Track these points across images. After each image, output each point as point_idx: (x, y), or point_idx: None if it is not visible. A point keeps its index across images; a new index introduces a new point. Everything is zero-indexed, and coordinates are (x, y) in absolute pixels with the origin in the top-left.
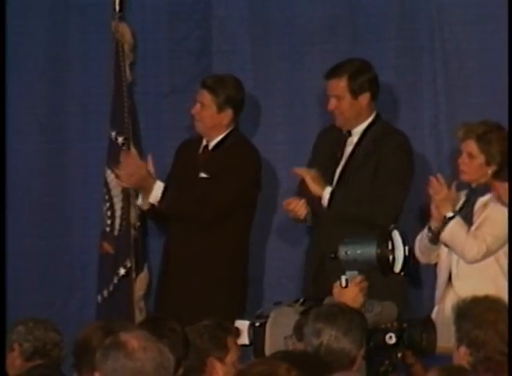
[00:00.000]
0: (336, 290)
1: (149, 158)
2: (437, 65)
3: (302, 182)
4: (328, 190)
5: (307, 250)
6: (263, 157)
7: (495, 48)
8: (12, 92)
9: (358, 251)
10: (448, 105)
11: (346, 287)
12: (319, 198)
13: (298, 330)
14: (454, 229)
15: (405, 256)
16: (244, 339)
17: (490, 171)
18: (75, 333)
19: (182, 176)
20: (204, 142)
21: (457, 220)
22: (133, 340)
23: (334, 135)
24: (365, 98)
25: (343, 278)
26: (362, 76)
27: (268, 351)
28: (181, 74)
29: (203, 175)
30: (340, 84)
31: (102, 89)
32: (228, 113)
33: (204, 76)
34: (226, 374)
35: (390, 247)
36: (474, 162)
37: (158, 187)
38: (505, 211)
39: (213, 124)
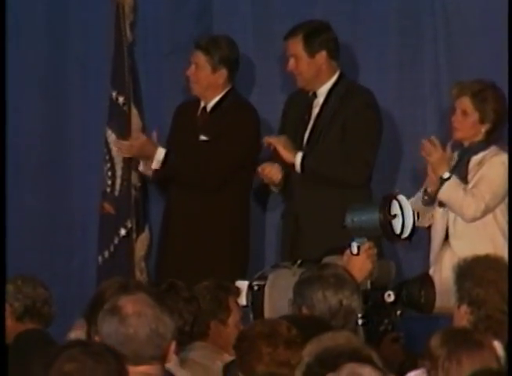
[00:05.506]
0: (345, 257)
1: (154, 136)
2: (438, 25)
3: (274, 150)
4: (299, 156)
5: (283, 213)
6: (263, 118)
7: (496, 8)
8: (12, 54)
9: (363, 218)
10: (449, 65)
11: (358, 254)
12: (292, 164)
13: (299, 294)
14: (451, 189)
15: (414, 221)
16: (242, 300)
17: (484, 129)
18: (77, 294)
19: (181, 140)
20: (202, 104)
21: (454, 180)
22: (129, 305)
23: (301, 99)
24: (321, 56)
25: (354, 245)
26: (317, 35)
27: (267, 313)
28: (181, 34)
29: (203, 137)
30: (296, 44)
31: (103, 50)
32: (223, 73)
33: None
34: (230, 335)
35: (395, 212)
36: (467, 119)
37: (160, 153)
38: (501, 168)
39: (208, 84)
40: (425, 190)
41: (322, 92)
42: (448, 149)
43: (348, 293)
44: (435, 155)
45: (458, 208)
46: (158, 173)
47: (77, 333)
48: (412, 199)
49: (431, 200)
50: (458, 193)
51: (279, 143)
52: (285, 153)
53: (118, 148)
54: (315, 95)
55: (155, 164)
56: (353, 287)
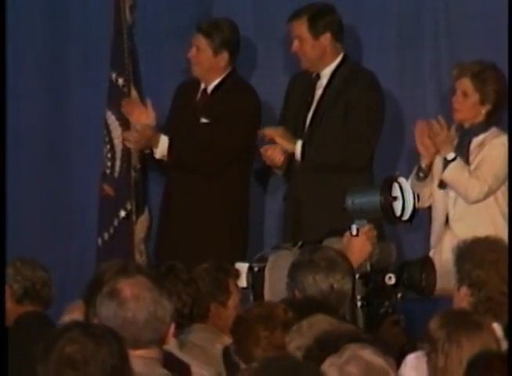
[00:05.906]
0: (345, 239)
1: (149, 104)
2: (438, 7)
3: (271, 141)
4: (299, 144)
5: (284, 196)
6: (264, 100)
7: None
8: (12, 36)
9: (364, 200)
10: (449, 48)
11: (357, 235)
12: (292, 153)
13: (292, 278)
14: (456, 171)
15: (414, 204)
16: (242, 282)
17: (484, 110)
18: (76, 276)
19: (182, 122)
20: (203, 86)
21: (459, 161)
22: (127, 288)
23: (304, 80)
24: (326, 38)
25: (353, 227)
26: (322, 17)
27: (267, 295)
28: (181, 16)
29: (203, 120)
30: (300, 25)
31: (103, 31)
32: (224, 56)
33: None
34: (229, 317)
35: (395, 194)
36: (468, 100)
37: (163, 143)
38: (502, 149)
39: (209, 67)
40: (419, 167)
41: (326, 73)
42: (453, 130)
43: (339, 276)
44: (441, 135)
45: (463, 190)
46: (161, 162)
47: (71, 316)
48: (409, 181)
49: (425, 175)
50: (463, 175)
51: (276, 134)
52: (284, 144)
53: (126, 139)
54: (318, 77)
55: (159, 154)
56: (345, 271)
